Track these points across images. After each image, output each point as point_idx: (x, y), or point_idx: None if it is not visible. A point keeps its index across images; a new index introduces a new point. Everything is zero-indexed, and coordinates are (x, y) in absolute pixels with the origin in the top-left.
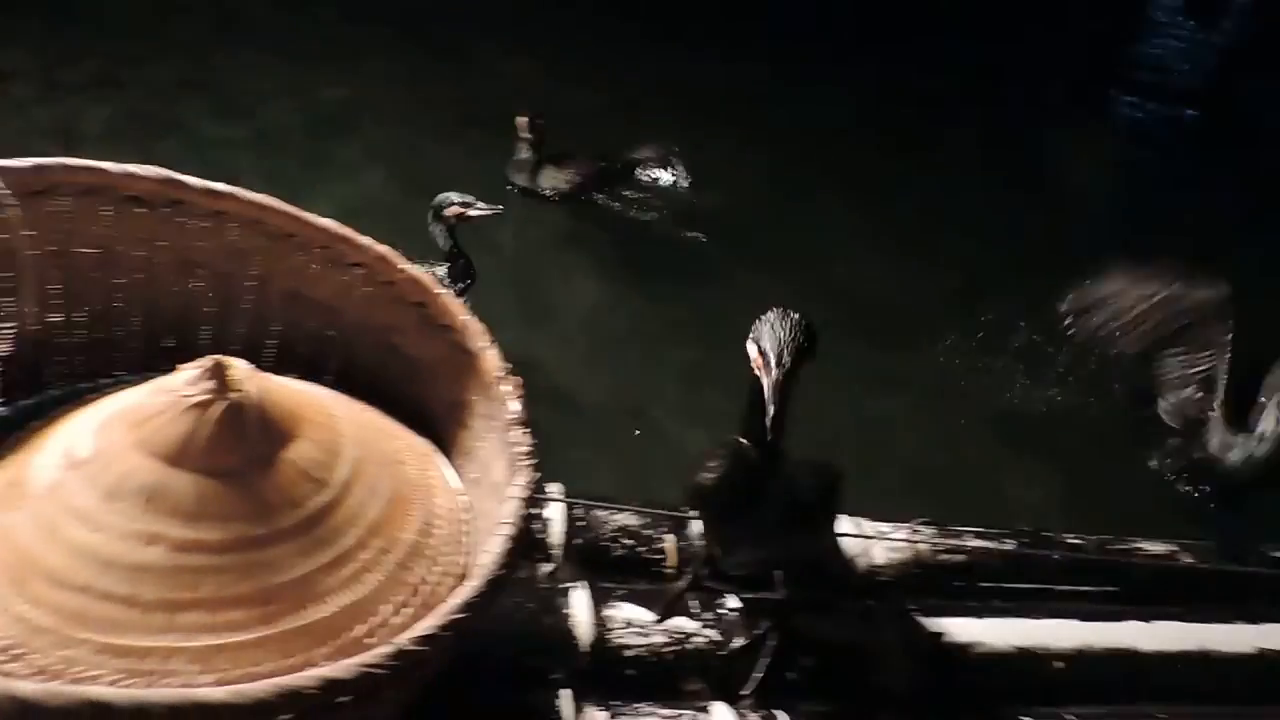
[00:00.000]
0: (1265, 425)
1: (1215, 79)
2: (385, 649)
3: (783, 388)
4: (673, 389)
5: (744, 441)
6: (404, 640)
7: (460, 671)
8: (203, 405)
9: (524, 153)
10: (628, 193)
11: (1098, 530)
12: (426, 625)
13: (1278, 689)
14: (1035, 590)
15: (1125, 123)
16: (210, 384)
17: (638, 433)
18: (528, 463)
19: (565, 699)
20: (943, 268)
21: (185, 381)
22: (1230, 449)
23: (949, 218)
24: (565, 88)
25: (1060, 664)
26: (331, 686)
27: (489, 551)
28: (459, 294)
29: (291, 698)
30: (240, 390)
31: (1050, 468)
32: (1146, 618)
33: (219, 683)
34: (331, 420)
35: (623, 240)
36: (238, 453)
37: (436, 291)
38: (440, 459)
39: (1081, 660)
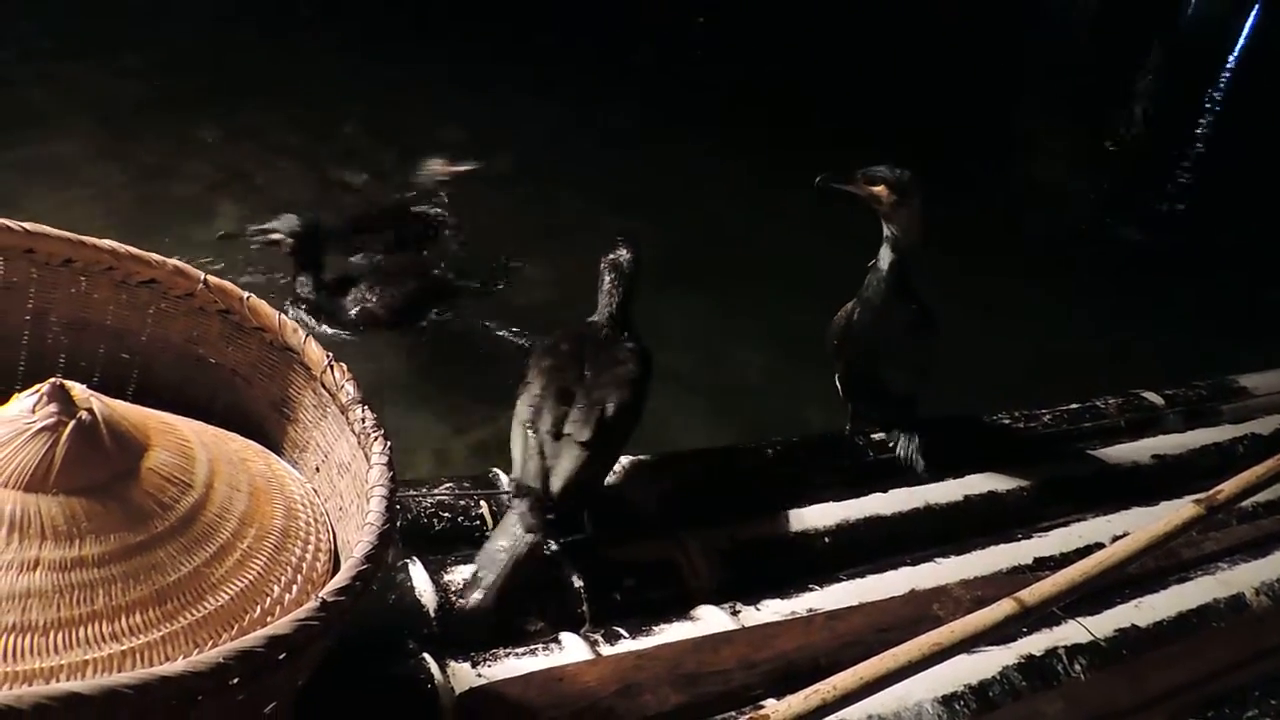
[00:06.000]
0: None
1: None
2: (312, 604)
3: None
4: None
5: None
6: (327, 594)
7: (326, 659)
8: (51, 428)
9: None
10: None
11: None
12: (341, 579)
13: (984, 523)
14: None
15: None
16: (53, 407)
17: None
18: (377, 433)
19: (429, 660)
20: None
21: (25, 409)
22: None
23: None
24: None
25: (827, 539)
26: (275, 643)
27: (373, 510)
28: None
29: (241, 659)
30: (88, 408)
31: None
32: (884, 489)
33: None
34: (173, 428)
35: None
36: (100, 468)
37: (241, 296)
38: (273, 455)
39: (842, 532)
